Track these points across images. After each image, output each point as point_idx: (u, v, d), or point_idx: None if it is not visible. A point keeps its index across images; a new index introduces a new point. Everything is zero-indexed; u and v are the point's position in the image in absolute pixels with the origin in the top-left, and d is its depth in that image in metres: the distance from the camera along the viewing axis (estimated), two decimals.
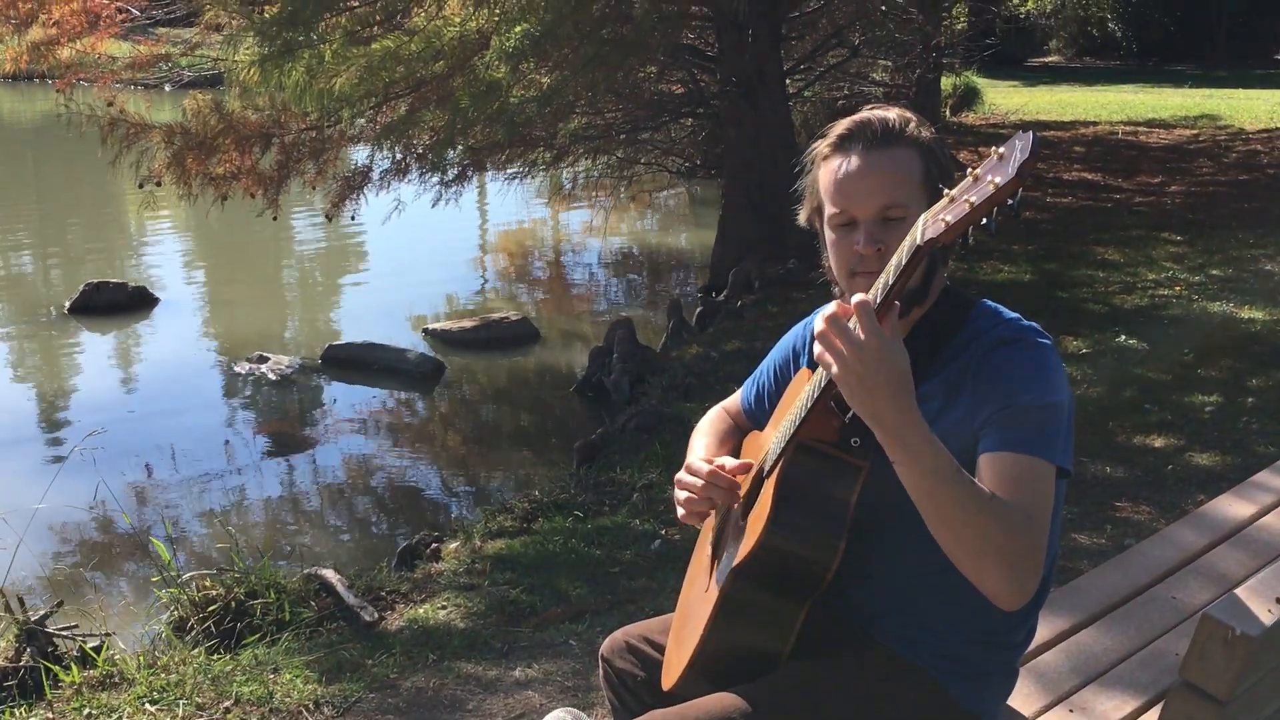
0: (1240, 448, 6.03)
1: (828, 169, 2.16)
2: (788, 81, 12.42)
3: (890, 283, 1.82)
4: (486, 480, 7.61)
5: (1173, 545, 3.20)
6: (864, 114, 2.16)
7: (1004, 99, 23.34)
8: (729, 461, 2.34)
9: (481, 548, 5.49)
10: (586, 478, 6.39)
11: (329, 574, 4.98)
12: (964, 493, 1.89)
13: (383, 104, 10.11)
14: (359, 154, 11.59)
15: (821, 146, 2.20)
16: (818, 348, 1.88)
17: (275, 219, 11.15)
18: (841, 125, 2.17)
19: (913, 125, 2.14)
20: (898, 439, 1.87)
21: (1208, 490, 5.26)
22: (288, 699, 4.02)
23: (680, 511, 2.37)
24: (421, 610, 4.80)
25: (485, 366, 10.02)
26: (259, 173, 10.41)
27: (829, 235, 2.18)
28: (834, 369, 1.85)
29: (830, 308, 1.88)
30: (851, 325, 1.84)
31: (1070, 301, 9.16)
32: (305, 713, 3.96)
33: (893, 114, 2.15)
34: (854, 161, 2.12)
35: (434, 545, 5.64)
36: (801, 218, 2.28)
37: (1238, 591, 2.04)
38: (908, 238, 1.79)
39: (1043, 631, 2.62)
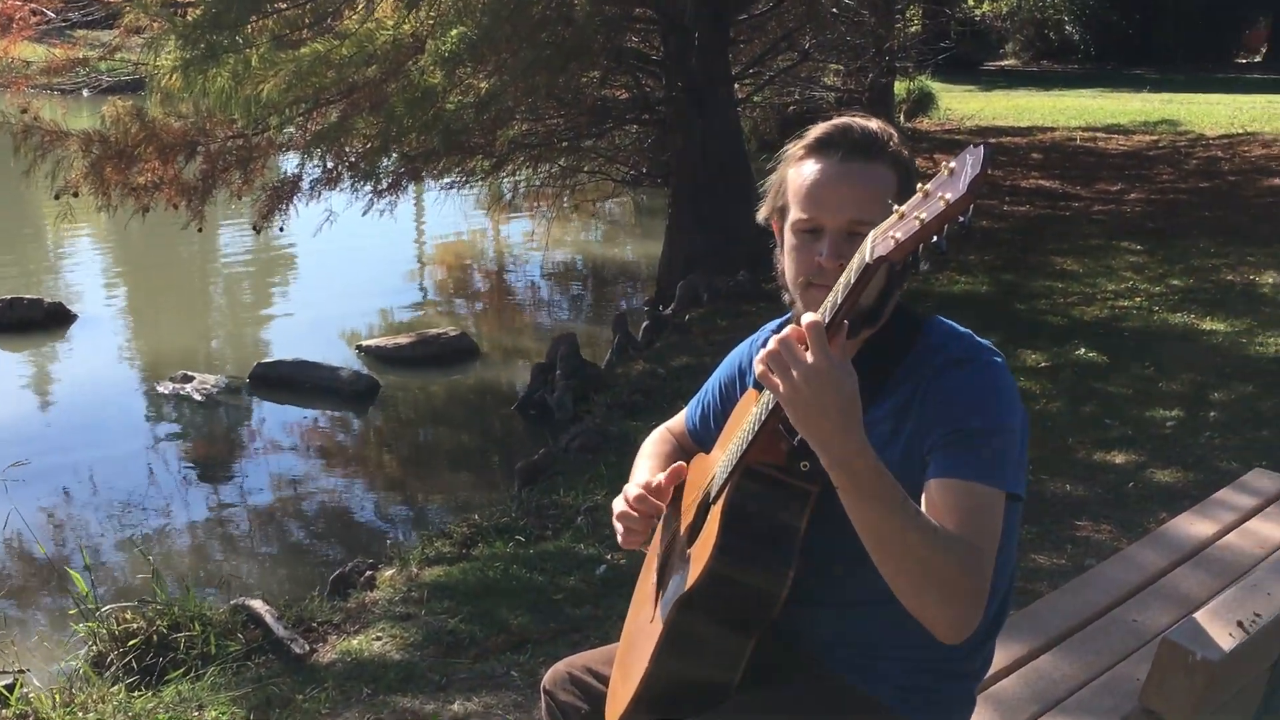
0: (1202, 464, 6.10)
1: (800, 172, 2.15)
2: (736, 86, 12.47)
3: (839, 302, 1.82)
4: (424, 504, 7.57)
5: (1133, 566, 3.23)
6: (846, 120, 2.15)
7: (960, 104, 23.56)
8: (659, 478, 2.36)
9: (418, 575, 5.46)
10: (528, 500, 6.37)
11: (257, 604, 4.93)
12: (909, 524, 1.89)
13: (313, 110, 10.05)
14: (288, 162, 11.53)
15: (796, 147, 2.18)
16: (760, 368, 1.87)
17: (200, 231, 11.04)
18: (821, 129, 2.16)
19: (894, 141, 2.13)
20: (844, 466, 1.86)
21: (1170, 508, 5.32)
22: None
23: (619, 537, 2.38)
24: (355, 642, 4.76)
25: (422, 384, 9.97)
26: (182, 183, 10.31)
27: (789, 239, 2.17)
28: (780, 391, 1.85)
29: (785, 329, 1.88)
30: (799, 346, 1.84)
31: (1028, 313, 9.25)
32: None
33: (875, 125, 2.14)
34: (831, 168, 2.10)
35: (368, 573, 5.60)
36: (760, 215, 2.26)
37: (1198, 615, 2.06)
38: (856, 255, 1.79)
39: (1000, 657, 2.64)
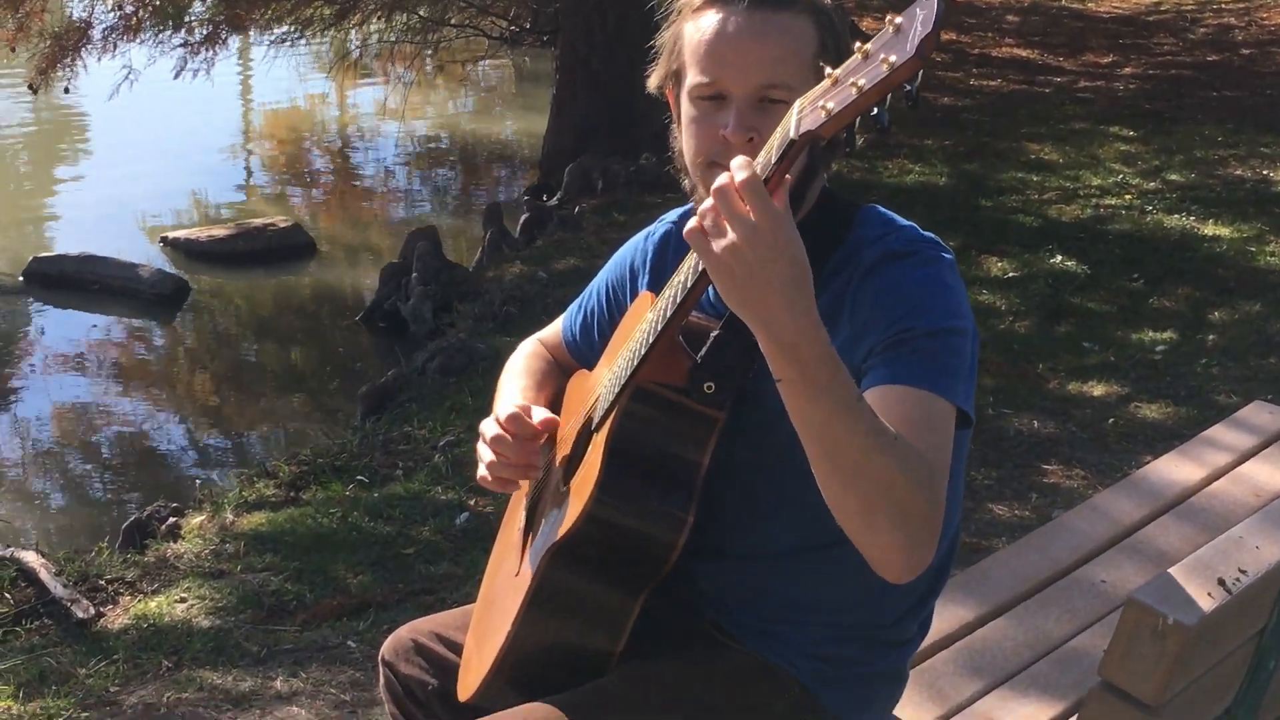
0: (1197, 397, 6.23)
1: (697, 25, 2.13)
2: None
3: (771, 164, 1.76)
4: (243, 436, 7.54)
5: (1103, 518, 3.29)
6: None
7: None
8: (540, 413, 2.32)
9: (235, 523, 5.45)
10: (374, 433, 6.37)
11: (30, 557, 4.91)
12: (865, 426, 1.83)
13: None
14: (75, 5, 11.30)
15: None
16: (691, 226, 1.78)
17: None
18: None
19: None
20: (790, 353, 1.78)
21: (1156, 449, 5.39)
22: None
23: (482, 473, 2.34)
24: (153, 604, 4.75)
25: (244, 288, 9.89)
26: None
27: (688, 110, 2.15)
28: (715, 255, 1.75)
29: (706, 201, 1.78)
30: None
31: (995, 212, 9.34)
32: None
33: None
34: (734, 21, 2.08)
35: (171, 520, 5.59)
36: (652, 83, 2.26)
37: (1172, 571, 2.10)
38: (779, 129, 1.77)
39: (939, 625, 2.68)
